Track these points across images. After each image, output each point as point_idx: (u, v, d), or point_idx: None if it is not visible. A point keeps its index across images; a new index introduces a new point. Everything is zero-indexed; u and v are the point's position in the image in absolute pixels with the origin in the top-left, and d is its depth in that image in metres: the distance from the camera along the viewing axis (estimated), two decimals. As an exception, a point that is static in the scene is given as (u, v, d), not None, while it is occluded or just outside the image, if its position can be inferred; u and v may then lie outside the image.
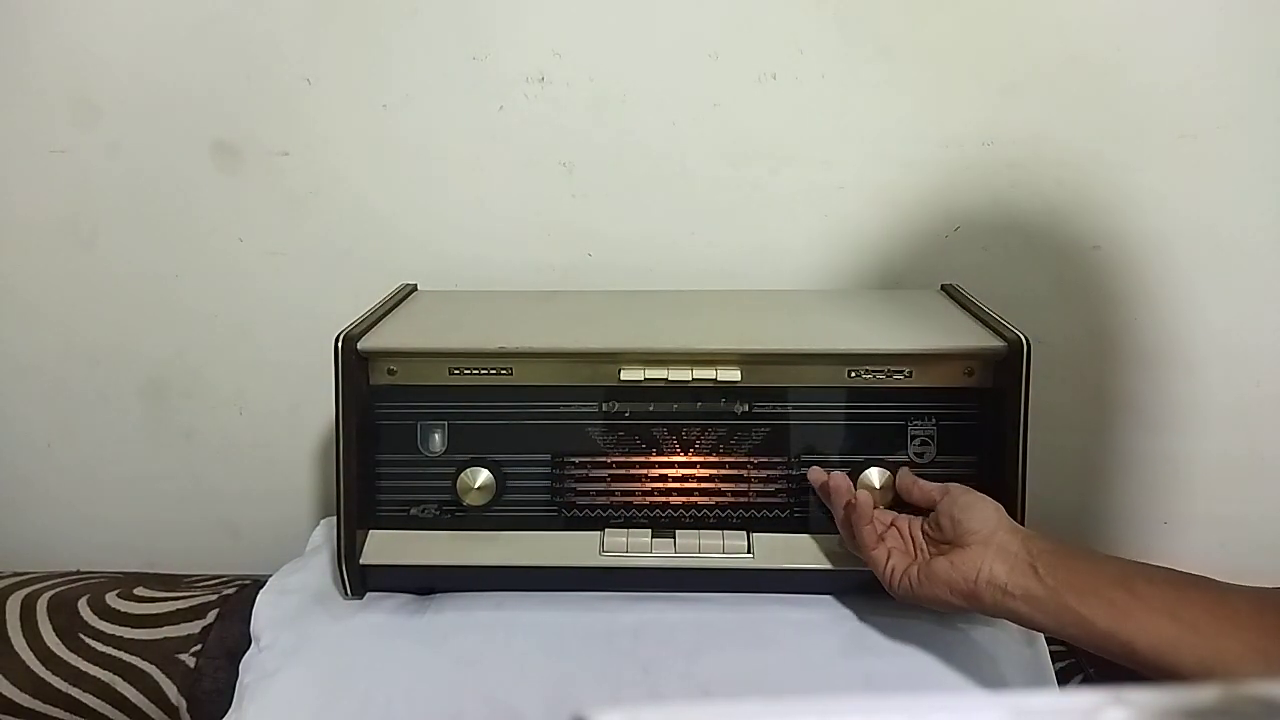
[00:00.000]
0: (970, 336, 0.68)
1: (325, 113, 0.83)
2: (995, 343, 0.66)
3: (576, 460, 0.68)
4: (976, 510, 0.60)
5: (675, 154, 0.83)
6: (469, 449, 0.68)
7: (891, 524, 0.64)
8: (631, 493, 0.69)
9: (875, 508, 0.64)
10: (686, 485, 0.69)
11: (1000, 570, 0.56)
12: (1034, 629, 0.56)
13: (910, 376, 0.67)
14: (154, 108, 0.83)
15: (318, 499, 0.92)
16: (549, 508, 0.69)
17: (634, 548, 0.67)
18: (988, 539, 0.58)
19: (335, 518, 0.68)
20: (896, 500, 0.66)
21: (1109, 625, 0.52)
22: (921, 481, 0.65)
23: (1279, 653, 0.48)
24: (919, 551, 0.62)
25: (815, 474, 0.67)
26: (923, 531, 0.63)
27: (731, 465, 0.68)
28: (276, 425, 0.91)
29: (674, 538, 0.67)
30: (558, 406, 0.68)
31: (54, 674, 0.72)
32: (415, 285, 0.83)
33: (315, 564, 0.74)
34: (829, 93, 0.82)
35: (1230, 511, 0.88)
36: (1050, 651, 0.67)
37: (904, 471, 0.66)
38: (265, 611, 0.69)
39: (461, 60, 0.81)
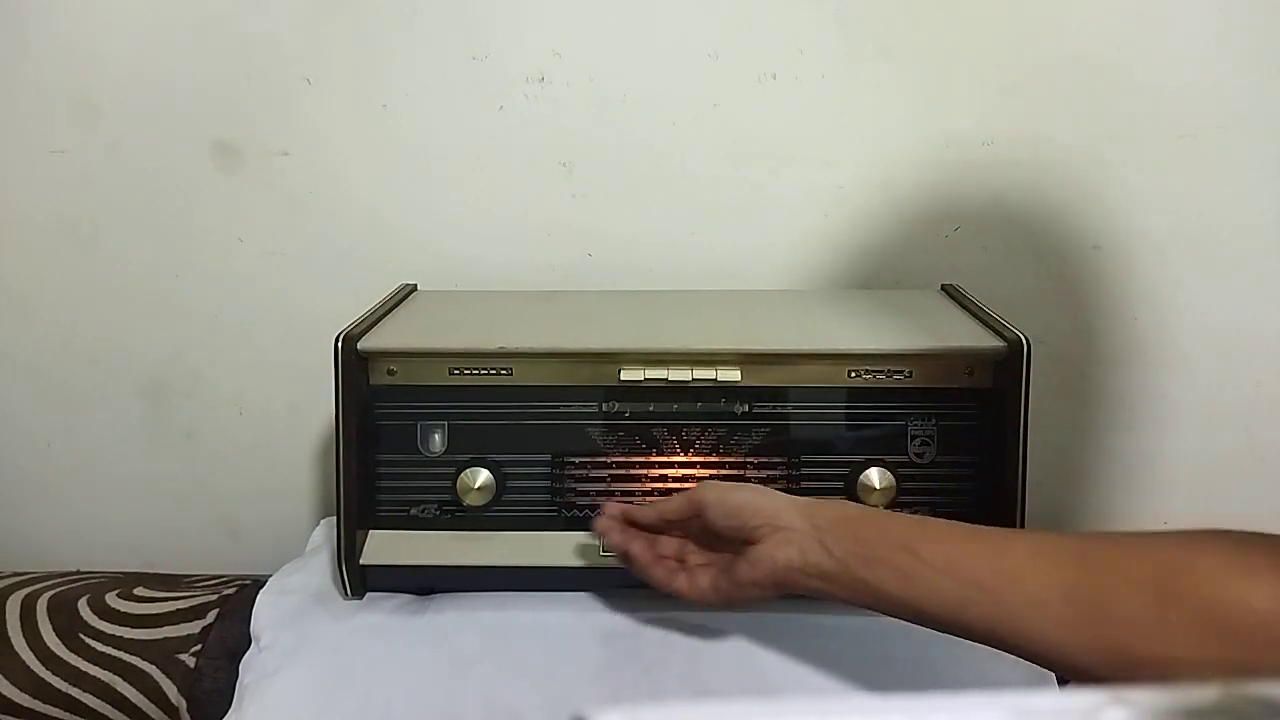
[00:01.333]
0: (970, 336, 0.68)
1: (325, 113, 0.83)
2: (995, 343, 0.66)
3: (576, 460, 0.68)
4: (748, 503, 0.58)
5: (675, 154, 0.83)
6: (469, 449, 0.68)
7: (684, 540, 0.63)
8: (631, 493, 0.68)
9: (658, 537, 0.63)
10: (686, 485, 0.68)
11: (794, 554, 0.55)
12: (837, 603, 0.55)
13: (910, 376, 0.67)
14: (154, 108, 0.83)
15: (318, 499, 0.92)
16: (549, 508, 0.69)
17: (634, 548, 0.67)
18: (774, 525, 0.56)
19: (335, 518, 0.68)
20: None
21: (899, 592, 0.51)
22: (660, 502, 0.63)
23: (1056, 603, 0.47)
24: (714, 558, 0.60)
25: (604, 529, 0.64)
26: (699, 543, 0.62)
27: (731, 465, 0.68)
28: (276, 425, 0.91)
29: (674, 538, 0.67)
30: (558, 406, 0.68)
31: (54, 674, 0.72)
32: (415, 285, 0.83)
33: (315, 564, 0.74)
34: (829, 93, 0.82)
35: (1230, 511, 0.88)
36: (1050, 651, 0.67)
37: (630, 511, 0.64)
38: (265, 611, 0.69)
39: (461, 60, 0.81)
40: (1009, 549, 0.50)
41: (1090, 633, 0.46)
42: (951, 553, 0.51)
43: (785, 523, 0.56)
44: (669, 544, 0.63)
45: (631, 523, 0.64)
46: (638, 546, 0.62)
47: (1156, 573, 0.46)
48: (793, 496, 0.58)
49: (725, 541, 0.59)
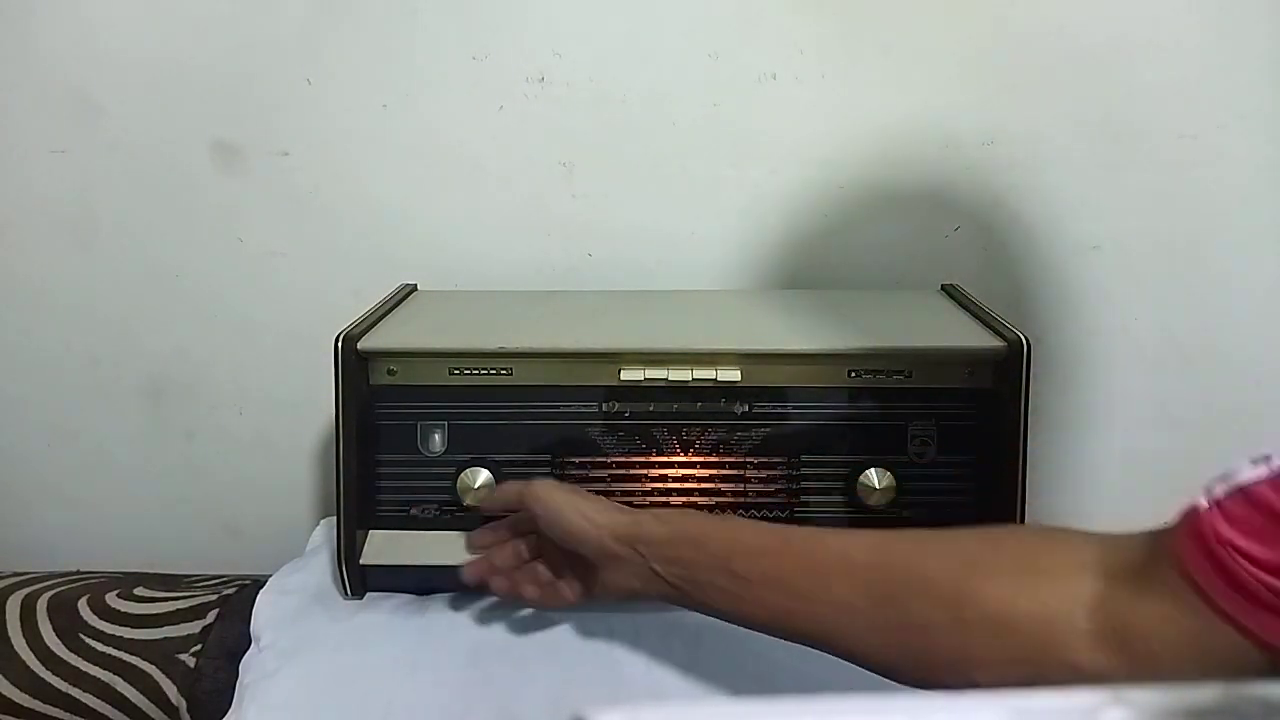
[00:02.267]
0: (970, 336, 0.69)
1: (326, 113, 0.83)
2: (995, 343, 0.66)
3: (576, 460, 0.68)
4: (576, 531, 0.58)
5: (675, 154, 0.83)
6: (469, 449, 0.68)
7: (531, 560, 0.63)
8: (631, 493, 0.68)
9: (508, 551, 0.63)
10: (686, 485, 0.69)
11: (635, 582, 0.56)
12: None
13: (910, 377, 0.67)
14: (155, 107, 0.83)
15: (318, 499, 0.92)
16: (549, 508, 0.68)
17: (634, 548, 0.67)
18: (604, 553, 0.57)
19: (335, 518, 0.68)
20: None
21: (731, 609, 0.53)
22: (502, 488, 0.64)
23: (863, 607, 0.48)
24: (564, 569, 0.62)
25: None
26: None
27: (731, 465, 0.68)
28: (277, 425, 0.91)
29: (674, 538, 0.67)
30: (558, 406, 0.68)
31: (54, 674, 0.72)
32: (415, 285, 0.83)
33: (315, 564, 0.74)
34: (829, 93, 0.81)
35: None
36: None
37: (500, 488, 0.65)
38: (265, 611, 0.69)
39: (461, 60, 0.81)
40: (817, 551, 0.51)
41: (895, 636, 0.47)
42: (766, 567, 0.52)
43: (612, 551, 0.57)
44: (505, 552, 0.63)
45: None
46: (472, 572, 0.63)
47: (952, 572, 0.47)
48: (612, 515, 0.58)
49: (559, 557, 0.61)
